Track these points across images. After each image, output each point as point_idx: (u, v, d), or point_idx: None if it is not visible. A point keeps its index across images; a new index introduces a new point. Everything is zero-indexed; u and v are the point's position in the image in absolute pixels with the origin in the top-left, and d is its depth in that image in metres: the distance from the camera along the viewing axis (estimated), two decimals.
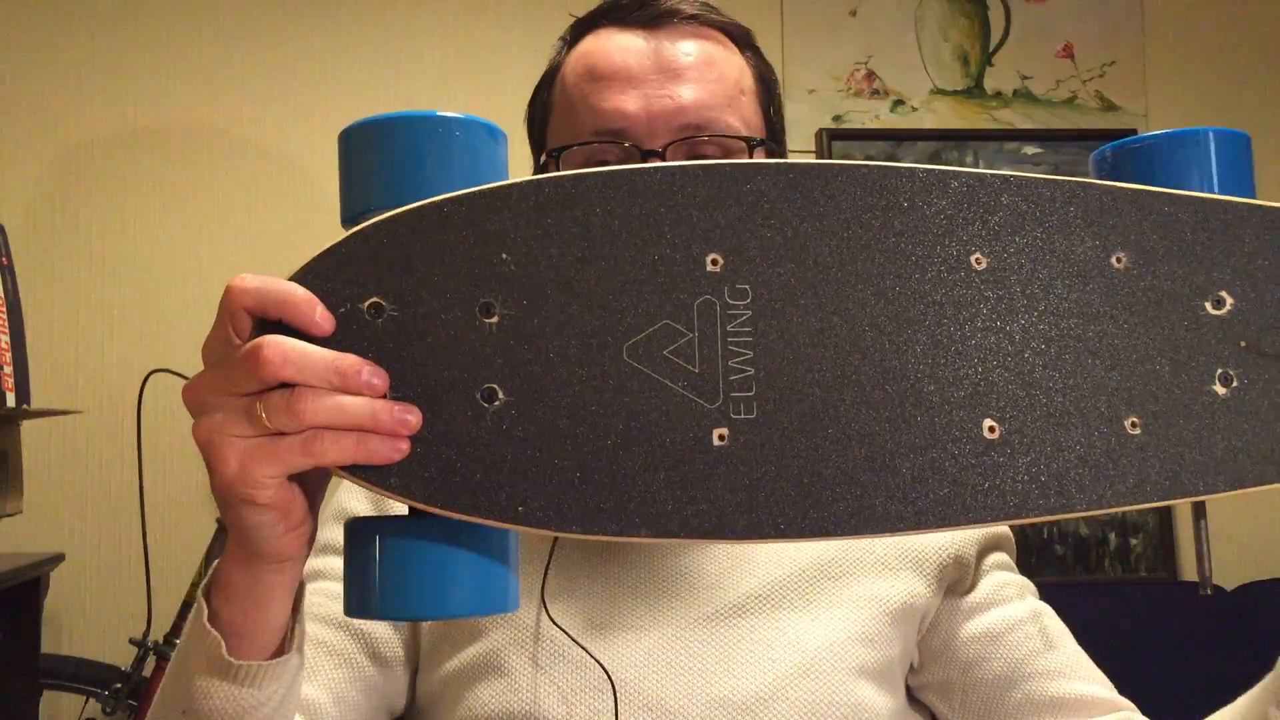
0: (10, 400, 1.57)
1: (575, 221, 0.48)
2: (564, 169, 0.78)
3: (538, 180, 0.48)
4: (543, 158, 0.82)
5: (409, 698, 0.81)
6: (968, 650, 0.81)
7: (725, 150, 0.77)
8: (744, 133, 0.78)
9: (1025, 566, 0.87)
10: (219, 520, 0.50)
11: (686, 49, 0.78)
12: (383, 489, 0.48)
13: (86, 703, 1.98)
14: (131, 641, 1.97)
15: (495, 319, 0.48)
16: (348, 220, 0.50)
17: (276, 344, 0.47)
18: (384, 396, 0.48)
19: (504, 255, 0.48)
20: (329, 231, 2.45)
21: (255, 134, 2.22)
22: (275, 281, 0.48)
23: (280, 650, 0.57)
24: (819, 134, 2.35)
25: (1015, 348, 0.48)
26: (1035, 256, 0.49)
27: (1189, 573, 2.34)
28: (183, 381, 2.00)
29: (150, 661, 1.96)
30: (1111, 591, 2.27)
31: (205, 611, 0.56)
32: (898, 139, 2.39)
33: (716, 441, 0.48)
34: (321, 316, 0.48)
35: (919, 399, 0.48)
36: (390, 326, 0.48)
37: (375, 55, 2.25)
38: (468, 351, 0.48)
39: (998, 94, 2.44)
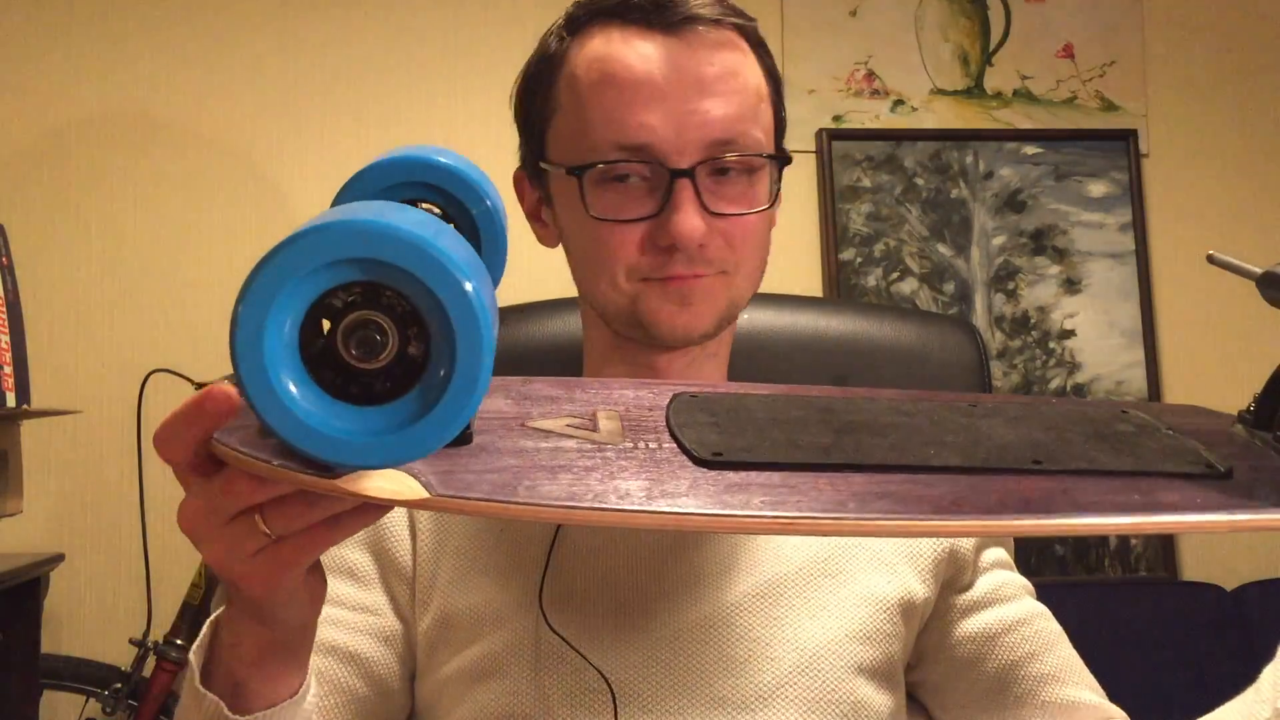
0: (10, 400, 1.57)
1: None
2: (586, 187, 0.75)
3: None
4: (554, 167, 0.78)
5: (410, 705, 0.81)
6: (963, 650, 0.81)
7: (746, 165, 0.76)
8: (765, 145, 0.77)
9: (1025, 566, 0.87)
10: None
11: (710, 59, 0.75)
12: None
13: (86, 703, 1.98)
14: (131, 641, 1.97)
15: None
16: None
17: (239, 475, 0.47)
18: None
19: None
20: None
21: (259, 133, 2.22)
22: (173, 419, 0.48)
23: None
24: (819, 134, 2.35)
25: None
26: None
27: (1189, 573, 2.34)
28: (183, 381, 2.00)
29: (150, 661, 1.96)
30: (1111, 591, 2.26)
31: (197, 675, 0.56)
32: (897, 139, 2.38)
33: None
34: (229, 404, 0.47)
35: None
36: None
37: (380, 53, 2.25)
38: None
39: (998, 94, 2.43)
